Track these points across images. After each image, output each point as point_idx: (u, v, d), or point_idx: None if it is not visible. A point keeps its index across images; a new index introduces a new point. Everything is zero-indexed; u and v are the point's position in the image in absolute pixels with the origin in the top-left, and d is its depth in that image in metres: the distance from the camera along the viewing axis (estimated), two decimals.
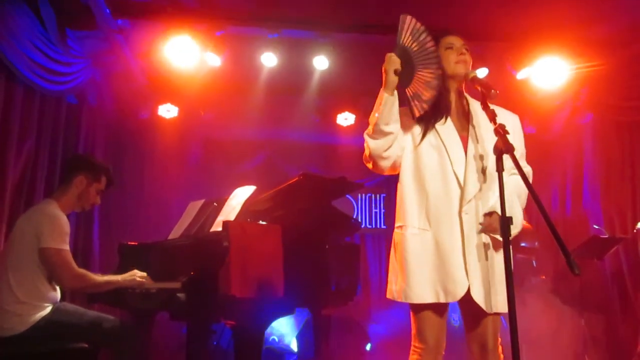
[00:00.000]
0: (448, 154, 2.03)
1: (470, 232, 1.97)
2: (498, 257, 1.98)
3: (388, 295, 2.10)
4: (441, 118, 2.09)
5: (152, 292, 2.83)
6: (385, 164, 2.07)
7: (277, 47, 4.64)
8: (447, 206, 2.00)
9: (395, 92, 1.99)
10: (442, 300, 1.95)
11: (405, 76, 2.02)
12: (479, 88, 1.97)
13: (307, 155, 6.35)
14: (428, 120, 2.08)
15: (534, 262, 4.40)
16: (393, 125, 2.01)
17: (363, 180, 4.18)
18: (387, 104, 1.97)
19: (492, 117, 1.86)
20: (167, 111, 5.71)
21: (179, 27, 4.30)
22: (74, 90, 4.44)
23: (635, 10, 4.11)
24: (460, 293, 1.93)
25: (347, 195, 6.54)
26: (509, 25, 4.26)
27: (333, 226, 3.47)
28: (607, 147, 4.97)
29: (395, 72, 1.97)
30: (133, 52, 4.70)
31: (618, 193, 4.80)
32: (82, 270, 2.79)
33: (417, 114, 2.04)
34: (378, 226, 6.82)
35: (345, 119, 5.93)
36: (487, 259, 1.97)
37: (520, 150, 2.09)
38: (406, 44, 2.03)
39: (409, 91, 2.04)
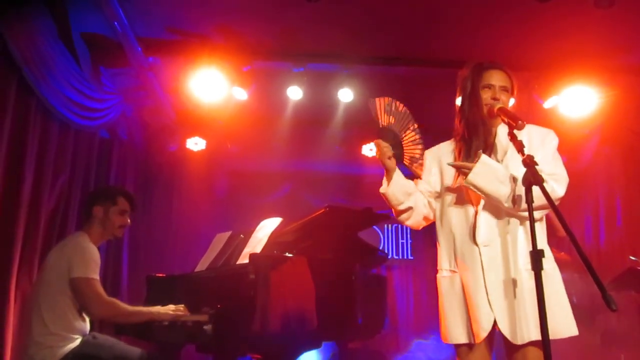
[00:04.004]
0: (469, 195, 2.04)
1: (494, 265, 1.95)
2: (527, 285, 1.92)
3: (441, 337, 2.14)
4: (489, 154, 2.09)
5: (179, 325, 2.83)
6: (414, 226, 2.21)
7: (302, 81, 4.72)
8: (469, 243, 2.01)
9: (397, 171, 2.09)
10: (471, 341, 1.95)
11: (396, 149, 2.16)
12: (506, 119, 1.95)
13: (333, 186, 6.36)
14: (467, 158, 2.07)
15: (574, 298, 4.21)
16: (408, 202, 2.12)
17: (389, 210, 4.15)
18: (392, 191, 2.10)
19: (520, 148, 1.83)
20: (195, 144, 5.82)
21: (207, 63, 4.42)
22: (106, 126, 4.57)
23: None
24: (484, 333, 1.90)
25: (374, 226, 6.49)
26: (535, 55, 4.25)
27: (359, 258, 3.44)
28: None
29: (390, 158, 2.08)
30: (162, 87, 4.85)
31: None
32: (112, 299, 2.82)
33: (419, 174, 2.16)
34: (405, 257, 6.73)
35: (371, 149, 5.95)
36: (515, 288, 1.93)
37: (548, 156, 2.02)
38: (385, 123, 2.17)
39: (405, 160, 2.17)
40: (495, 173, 1.94)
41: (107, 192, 3.09)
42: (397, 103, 2.19)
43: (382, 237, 6.73)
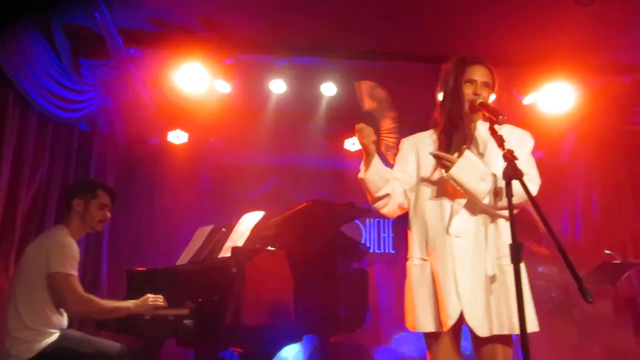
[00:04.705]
0: (445, 185, 2.05)
1: (464, 256, 1.98)
2: (496, 279, 1.97)
3: (405, 324, 2.15)
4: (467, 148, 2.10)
5: (160, 319, 2.82)
6: (389, 214, 2.20)
7: (286, 74, 4.70)
8: (441, 231, 2.03)
9: (377, 157, 2.10)
10: (439, 329, 1.97)
11: (376, 135, 2.14)
12: (487, 114, 1.98)
13: (316, 181, 6.36)
14: (448, 152, 2.09)
15: (552, 292, 4.30)
16: (385, 188, 2.11)
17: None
18: (371, 175, 2.09)
19: (500, 142, 1.86)
20: (177, 137, 5.77)
21: (189, 55, 4.38)
22: (85, 118, 4.51)
23: (638, 36, 4.14)
24: (451, 321, 1.93)
25: (356, 220, 6.51)
26: (516, 51, 4.30)
27: (342, 252, 3.45)
28: (617, 171, 4.95)
29: (374, 142, 2.08)
30: (144, 79, 4.78)
31: (630, 217, 4.76)
32: (89, 295, 2.78)
33: (392, 162, 2.18)
34: (386, 251, 6.77)
35: (353, 144, 5.97)
36: (484, 281, 1.96)
37: (523, 156, 2.04)
38: (368, 107, 2.17)
39: (382, 147, 2.17)
40: (477, 169, 1.97)
41: (87, 185, 3.05)
42: (379, 88, 2.19)
43: (364, 231, 6.77)
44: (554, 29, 3.96)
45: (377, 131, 2.14)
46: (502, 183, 1.82)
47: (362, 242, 6.46)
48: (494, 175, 1.99)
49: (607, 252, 4.29)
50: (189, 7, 3.98)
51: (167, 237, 5.53)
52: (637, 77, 4.64)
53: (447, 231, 2.01)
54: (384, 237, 6.79)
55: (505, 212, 1.96)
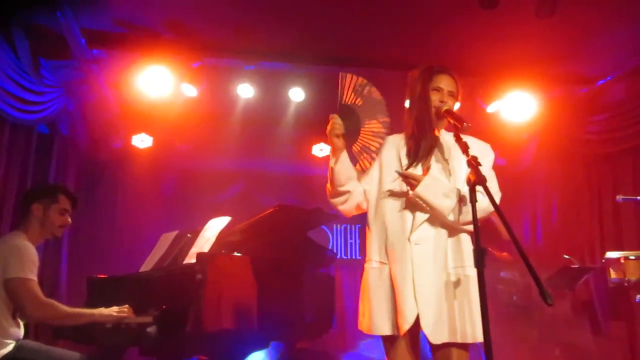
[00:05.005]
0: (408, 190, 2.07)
1: (424, 263, 1.99)
2: (454, 288, 1.99)
3: (359, 327, 2.14)
4: (429, 157, 2.13)
5: (122, 327, 2.74)
6: (345, 212, 2.19)
7: (253, 79, 4.69)
8: (401, 237, 2.04)
9: (344, 152, 2.07)
10: (395, 332, 1.98)
11: (351, 132, 2.09)
12: (452, 121, 2.02)
13: (283, 186, 6.34)
14: (415, 158, 2.12)
15: (514, 296, 4.40)
16: (348, 185, 2.10)
17: (338, 211, 4.19)
18: (337, 170, 2.07)
19: (464, 149, 1.90)
20: (141, 141, 5.67)
21: (155, 58, 4.31)
22: (45, 120, 4.37)
23: (598, 48, 4.31)
24: (407, 325, 1.95)
25: (323, 226, 6.52)
26: (480, 60, 4.41)
27: (308, 257, 3.45)
28: (575, 178, 5.12)
29: (339, 136, 2.05)
30: (108, 81, 4.68)
31: (586, 223, 4.93)
32: (50, 300, 2.68)
33: (366, 166, 2.12)
34: (354, 257, 6.80)
35: (321, 149, 5.98)
36: (441, 289, 1.99)
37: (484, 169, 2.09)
38: (349, 101, 2.10)
39: (356, 147, 2.11)
40: (442, 187, 2.01)
41: (47, 190, 2.94)
42: (374, 89, 2.12)
43: (331, 236, 6.78)
44: (515, 40, 4.08)
45: (356, 129, 2.11)
46: (465, 199, 1.86)
47: (330, 247, 6.47)
48: (458, 191, 2.02)
49: (566, 257, 4.43)
50: (155, 9, 3.93)
51: (130, 243, 5.40)
52: (594, 88, 4.82)
53: (408, 239, 2.02)
54: (351, 243, 6.81)
55: (470, 227, 2.00)
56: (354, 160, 2.12)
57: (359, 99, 2.11)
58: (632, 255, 3.47)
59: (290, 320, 2.89)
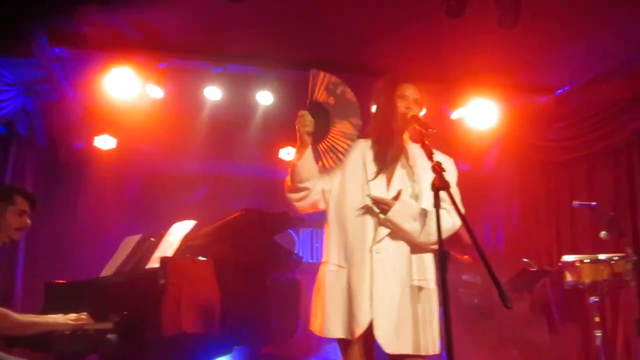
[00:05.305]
0: (370, 193, 2.08)
1: (382, 272, 2.01)
2: (411, 300, 2.01)
3: (310, 327, 2.15)
4: (396, 164, 2.15)
5: (80, 334, 2.66)
6: (301, 208, 2.19)
7: (221, 81, 4.65)
8: (362, 244, 2.05)
9: (310, 149, 2.07)
10: (348, 336, 1.99)
11: (320, 130, 2.08)
12: (417, 127, 2.06)
13: (250, 190, 6.29)
14: (383, 164, 2.13)
15: (475, 299, 4.50)
16: (308, 182, 2.10)
17: (305, 215, 4.20)
18: (301, 165, 2.06)
19: (429, 154, 1.94)
20: (104, 142, 5.54)
21: (120, 58, 4.22)
22: (2, 119, 4.24)
23: (556, 60, 4.47)
24: (359, 331, 1.96)
25: (289, 230, 6.51)
26: (445, 68, 4.50)
27: (274, 261, 3.44)
28: (534, 184, 5.29)
29: (309, 133, 2.05)
30: (70, 81, 4.56)
31: (544, 228, 5.09)
32: (2, 309, 2.58)
33: (331, 166, 2.10)
34: (319, 261, 6.79)
35: (288, 153, 5.98)
36: (399, 300, 2.00)
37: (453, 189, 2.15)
38: (321, 99, 2.09)
39: (322, 145, 2.09)
40: (412, 211, 2.04)
41: (4, 191, 2.84)
42: (348, 90, 2.10)
43: (297, 240, 6.78)
44: (480, 48, 4.18)
45: (326, 127, 2.10)
46: (432, 221, 1.87)
47: (296, 251, 6.46)
48: (425, 212, 2.05)
49: (524, 260, 4.56)
50: (119, 8, 3.85)
51: (91, 247, 5.26)
52: (553, 97, 5.00)
53: (370, 249, 2.04)
54: (317, 246, 6.82)
55: (435, 246, 2.03)
56: (317, 158, 2.10)
57: (331, 98, 2.10)
58: (586, 258, 3.60)
59: (255, 324, 2.88)
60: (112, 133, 5.53)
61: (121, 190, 5.82)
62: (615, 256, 3.48)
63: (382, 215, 2.04)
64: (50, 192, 5.11)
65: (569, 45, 4.21)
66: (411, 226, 2.04)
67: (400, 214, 2.01)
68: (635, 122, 4.16)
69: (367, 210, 2.08)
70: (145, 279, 2.58)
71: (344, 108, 2.10)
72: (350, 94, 2.11)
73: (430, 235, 2.04)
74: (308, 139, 2.07)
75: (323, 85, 2.10)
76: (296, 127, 2.06)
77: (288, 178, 2.14)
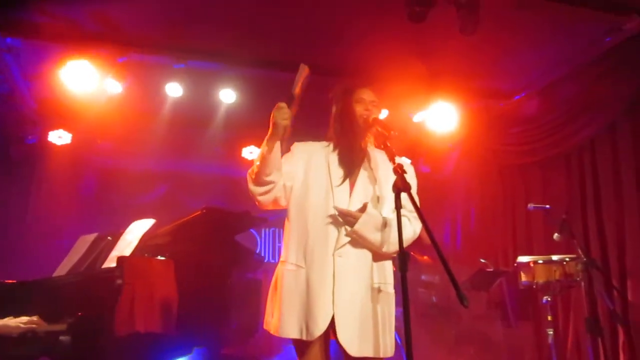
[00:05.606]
0: (333, 197, 2.09)
1: (344, 274, 2.02)
2: (372, 303, 2.03)
3: (265, 327, 2.13)
4: (359, 167, 2.16)
5: (30, 337, 2.56)
6: (263, 203, 2.14)
7: (183, 78, 4.57)
8: (324, 247, 2.05)
9: (278, 143, 2.04)
10: (304, 337, 1.98)
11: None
12: (380, 129, 2.08)
13: (211, 189, 6.22)
14: (347, 169, 2.14)
15: (433, 298, 4.59)
16: (274, 175, 2.07)
17: (267, 214, 4.18)
18: (270, 157, 2.03)
19: (391, 156, 1.96)
20: (59, 137, 5.38)
21: (77, 51, 4.08)
22: None
23: (514, 67, 4.61)
24: (317, 332, 1.96)
25: (251, 230, 6.46)
26: (407, 71, 4.56)
27: (236, 261, 3.41)
28: (492, 187, 5.43)
29: (286, 127, 2.02)
30: (23, 73, 4.38)
31: (501, 229, 5.24)
32: None
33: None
34: None
35: (251, 152, 5.94)
36: (360, 303, 2.02)
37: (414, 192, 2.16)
38: (299, 94, 2.08)
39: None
40: (377, 222, 2.05)
41: None
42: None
43: (259, 240, 6.74)
44: (441, 53, 4.26)
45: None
46: (395, 232, 1.89)
47: (257, 251, 6.42)
48: (386, 220, 2.07)
49: (482, 260, 4.68)
50: None
51: (43, 246, 5.07)
52: (510, 103, 5.15)
53: (332, 253, 2.04)
54: (279, 247, 6.80)
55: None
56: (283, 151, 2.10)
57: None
58: (540, 259, 3.72)
59: (215, 325, 2.84)
60: (68, 128, 5.38)
61: (76, 187, 5.65)
62: (567, 257, 3.61)
63: (348, 228, 2.04)
64: (0, 188, 4.89)
65: (525, 53, 4.36)
66: (375, 237, 2.05)
67: (366, 226, 2.03)
68: (587, 128, 4.34)
69: (329, 214, 2.08)
70: (101, 279, 2.51)
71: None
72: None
73: (391, 246, 2.07)
74: (281, 132, 2.03)
75: (304, 80, 2.10)
76: (271, 117, 2.02)
77: (252, 170, 2.10)
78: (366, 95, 2.22)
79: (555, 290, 3.69)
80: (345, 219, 2.04)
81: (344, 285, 2.01)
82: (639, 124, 4.01)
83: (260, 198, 2.12)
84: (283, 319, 2.02)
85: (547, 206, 3.87)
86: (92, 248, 3.07)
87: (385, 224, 2.06)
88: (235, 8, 3.81)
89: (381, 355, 2.01)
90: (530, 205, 3.92)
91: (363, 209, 2.05)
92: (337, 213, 2.05)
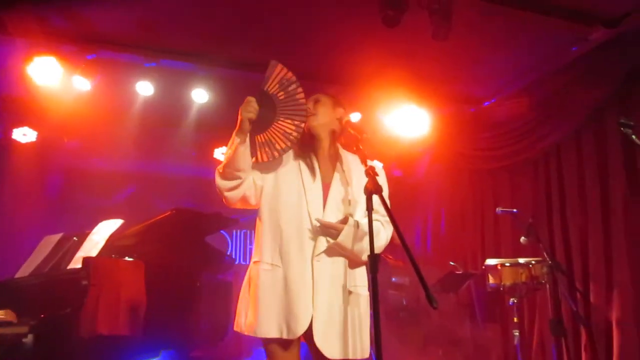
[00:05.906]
0: (307, 199, 2.08)
1: (322, 279, 2.02)
2: (350, 306, 2.03)
3: (236, 328, 2.10)
4: (333, 170, 2.15)
5: None
6: (230, 200, 2.10)
7: (154, 77, 4.50)
8: (300, 250, 2.04)
9: (247, 138, 2.02)
10: (285, 336, 1.97)
11: (262, 121, 2.04)
12: (352, 131, 2.09)
13: (182, 190, 6.14)
14: (322, 172, 2.13)
15: (404, 300, 4.63)
16: (243, 170, 2.04)
17: (238, 216, 4.14)
18: (239, 151, 2.00)
19: (363, 159, 1.97)
20: (24, 135, 5.24)
21: (44, 47, 3.97)
22: None
23: (485, 73, 4.70)
24: (300, 331, 1.96)
25: (222, 231, 6.40)
26: (379, 75, 4.59)
27: (206, 263, 3.37)
28: (462, 191, 5.53)
29: (250, 120, 2.00)
30: None
31: (470, 233, 5.33)
32: None
33: (263, 160, 2.07)
34: None
35: (223, 153, 5.89)
36: (338, 306, 2.02)
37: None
38: (271, 91, 2.06)
39: (260, 137, 2.06)
40: (358, 234, 2.05)
41: None
42: (300, 90, 2.06)
43: (230, 242, 6.68)
44: (414, 58, 4.31)
45: (269, 121, 2.06)
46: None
47: (228, 253, 6.36)
48: (362, 226, 2.06)
49: (451, 263, 4.75)
50: None
51: (6, 246, 4.92)
52: (480, 108, 5.25)
53: (311, 260, 2.03)
54: (250, 248, 6.76)
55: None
56: (253, 149, 2.05)
57: (281, 93, 2.06)
58: (507, 262, 3.79)
59: (183, 327, 2.80)
60: (33, 125, 5.24)
61: (41, 186, 5.50)
62: (533, 260, 3.69)
63: (330, 240, 2.03)
64: None
65: (495, 60, 4.45)
66: (357, 248, 2.05)
67: (348, 238, 2.02)
68: (553, 134, 4.46)
69: (303, 219, 2.06)
70: (66, 280, 2.45)
71: (292, 107, 2.07)
72: (301, 95, 2.07)
73: (364, 254, 2.06)
74: (247, 126, 2.00)
75: (277, 78, 2.06)
76: (239, 111, 2.00)
77: (221, 166, 2.06)
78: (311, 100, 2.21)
79: (522, 292, 3.76)
80: (328, 231, 2.03)
81: (322, 289, 2.00)
82: (603, 131, 4.13)
83: (227, 194, 2.07)
84: (260, 318, 1.99)
85: (515, 210, 3.96)
86: (57, 248, 2.99)
87: (365, 234, 2.03)
88: (209, 8, 3.77)
89: (358, 357, 2.01)
90: (499, 209, 4.00)
91: (345, 220, 2.04)
92: (317, 224, 2.02)
